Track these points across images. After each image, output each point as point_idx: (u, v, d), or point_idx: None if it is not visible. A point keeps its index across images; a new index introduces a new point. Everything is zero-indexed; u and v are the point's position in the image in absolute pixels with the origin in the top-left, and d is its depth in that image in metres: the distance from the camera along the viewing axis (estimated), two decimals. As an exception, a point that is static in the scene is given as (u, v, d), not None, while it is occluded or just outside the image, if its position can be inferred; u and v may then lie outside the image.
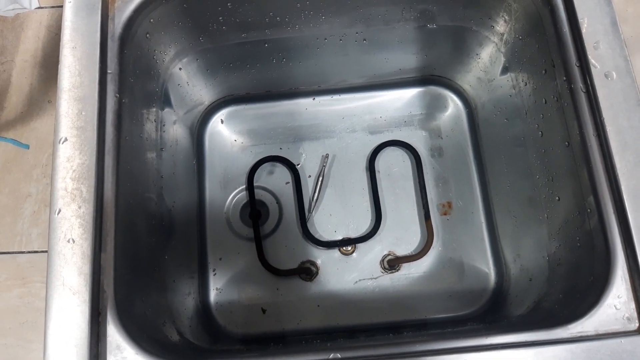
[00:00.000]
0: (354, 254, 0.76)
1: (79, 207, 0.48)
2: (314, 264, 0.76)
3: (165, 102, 0.69)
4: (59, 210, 0.48)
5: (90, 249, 0.47)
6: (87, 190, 0.49)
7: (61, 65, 0.53)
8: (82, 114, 0.51)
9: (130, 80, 0.57)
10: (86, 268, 0.47)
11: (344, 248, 0.76)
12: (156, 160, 0.64)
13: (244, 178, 0.79)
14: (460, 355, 0.44)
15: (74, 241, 0.47)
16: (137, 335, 0.47)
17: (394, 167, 0.79)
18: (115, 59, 0.55)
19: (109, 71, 0.54)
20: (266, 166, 0.80)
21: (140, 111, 0.60)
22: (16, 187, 0.96)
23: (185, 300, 0.68)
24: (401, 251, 0.76)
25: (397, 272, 0.75)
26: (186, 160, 0.75)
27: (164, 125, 0.67)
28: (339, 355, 0.45)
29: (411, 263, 0.75)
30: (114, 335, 0.46)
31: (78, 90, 0.52)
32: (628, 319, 0.47)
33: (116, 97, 0.53)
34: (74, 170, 0.49)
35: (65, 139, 0.50)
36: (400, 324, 0.71)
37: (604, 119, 0.51)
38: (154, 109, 0.65)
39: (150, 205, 0.61)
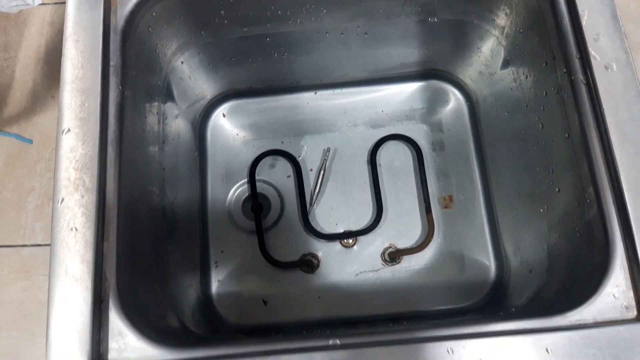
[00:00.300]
0: (355, 247, 0.76)
1: (82, 197, 0.49)
2: (315, 256, 0.76)
3: (168, 95, 0.69)
4: (62, 200, 0.49)
5: (93, 238, 0.48)
6: (90, 180, 0.49)
7: (64, 58, 0.54)
8: (85, 106, 0.51)
9: (132, 73, 0.57)
10: (89, 256, 0.47)
11: (345, 241, 0.76)
12: (158, 152, 0.64)
13: (245, 171, 0.79)
14: (459, 342, 0.45)
15: (76, 230, 0.48)
16: (139, 322, 0.48)
17: (395, 160, 0.80)
18: (118, 51, 0.55)
19: (111, 64, 0.54)
20: (268, 160, 0.80)
21: (143, 104, 0.60)
22: (20, 181, 0.97)
23: (187, 292, 0.69)
24: (402, 244, 0.76)
25: (397, 265, 0.75)
26: (188, 154, 0.75)
27: (166, 118, 0.68)
28: (338, 342, 0.45)
29: (412, 256, 0.75)
30: (116, 322, 0.47)
31: (81, 82, 0.52)
32: (626, 307, 0.47)
33: (119, 89, 0.54)
34: (77, 161, 0.50)
35: (69, 130, 0.51)
36: (401, 316, 0.71)
37: (604, 111, 0.51)
38: (157, 102, 0.65)
39: (153, 197, 0.62)
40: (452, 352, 0.45)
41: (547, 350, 0.45)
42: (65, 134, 0.51)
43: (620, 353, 0.45)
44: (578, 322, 0.46)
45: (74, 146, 0.50)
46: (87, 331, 0.46)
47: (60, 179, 0.50)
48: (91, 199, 0.49)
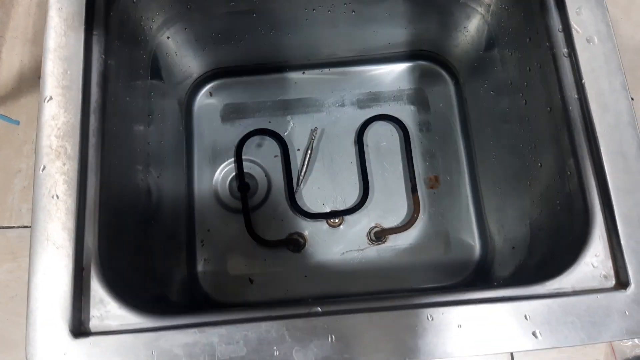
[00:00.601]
0: (342, 226, 0.76)
1: (64, 164, 0.49)
2: (301, 235, 0.76)
3: (154, 71, 0.69)
4: (44, 167, 0.49)
5: (74, 205, 0.48)
6: (72, 148, 0.49)
7: (47, 26, 0.53)
8: (67, 73, 0.51)
9: (116, 44, 0.57)
10: (70, 223, 0.47)
11: (332, 220, 0.76)
12: (143, 127, 0.64)
13: (232, 151, 0.79)
14: (439, 309, 0.45)
15: (58, 197, 0.48)
16: (121, 290, 0.48)
17: (383, 141, 0.80)
18: (102, 21, 0.55)
19: (94, 33, 0.54)
20: (255, 139, 0.80)
21: (127, 76, 0.60)
22: (6, 163, 0.96)
23: (173, 269, 0.69)
24: (388, 224, 0.76)
25: (383, 244, 0.75)
26: (174, 131, 0.75)
27: (151, 93, 0.67)
28: (319, 309, 0.46)
29: (397, 235, 0.75)
30: (98, 289, 0.47)
31: (64, 50, 0.52)
32: (605, 276, 0.48)
33: (102, 58, 0.53)
34: (58, 128, 0.50)
35: (51, 98, 0.51)
36: (386, 293, 0.72)
37: (584, 83, 0.51)
38: (142, 76, 0.65)
39: (136, 169, 0.61)
40: (432, 318, 0.45)
41: (525, 317, 0.45)
42: (47, 101, 0.50)
43: (598, 320, 0.45)
44: (557, 291, 0.47)
45: (56, 114, 0.50)
46: (68, 299, 0.46)
47: (42, 146, 0.49)
48: (73, 167, 0.49)
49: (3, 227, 0.94)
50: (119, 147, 0.55)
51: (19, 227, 0.94)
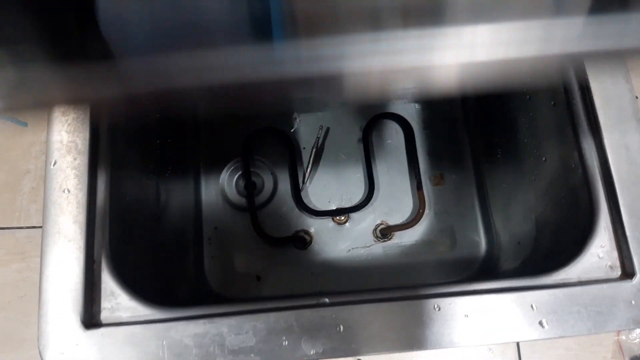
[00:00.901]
0: (347, 224, 0.77)
1: (74, 159, 0.49)
2: (308, 233, 0.77)
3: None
4: (55, 162, 0.49)
5: (85, 199, 0.48)
6: (82, 142, 0.50)
7: (58, 25, 0.54)
8: (78, 71, 0.52)
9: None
10: (81, 217, 0.48)
11: (338, 217, 0.77)
12: (152, 124, 0.65)
13: (239, 149, 0.80)
14: (446, 299, 0.46)
15: (69, 191, 0.48)
16: (131, 283, 0.48)
17: (388, 139, 0.81)
18: (111, 20, 0.56)
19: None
20: (261, 137, 0.81)
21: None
22: (15, 164, 0.97)
23: (180, 266, 0.69)
24: (393, 221, 0.77)
25: (389, 241, 0.76)
26: (182, 129, 0.76)
27: (159, 92, 0.68)
28: (326, 300, 0.46)
29: (403, 232, 0.76)
30: (109, 282, 0.47)
31: (74, 48, 0.53)
32: (611, 267, 0.48)
33: (111, 55, 0.54)
34: (69, 124, 0.51)
35: (62, 94, 0.51)
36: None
37: (588, 77, 0.52)
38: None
39: (146, 166, 0.62)
40: (439, 308, 0.46)
41: (532, 306, 0.46)
42: (58, 98, 0.51)
43: (604, 310, 0.46)
44: (563, 281, 0.47)
45: (66, 109, 0.51)
46: (80, 291, 0.46)
47: (53, 141, 0.50)
48: (83, 161, 0.49)
49: (12, 228, 0.95)
50: (128, 143, 0.56)
51: (27, 227, 0.95)
